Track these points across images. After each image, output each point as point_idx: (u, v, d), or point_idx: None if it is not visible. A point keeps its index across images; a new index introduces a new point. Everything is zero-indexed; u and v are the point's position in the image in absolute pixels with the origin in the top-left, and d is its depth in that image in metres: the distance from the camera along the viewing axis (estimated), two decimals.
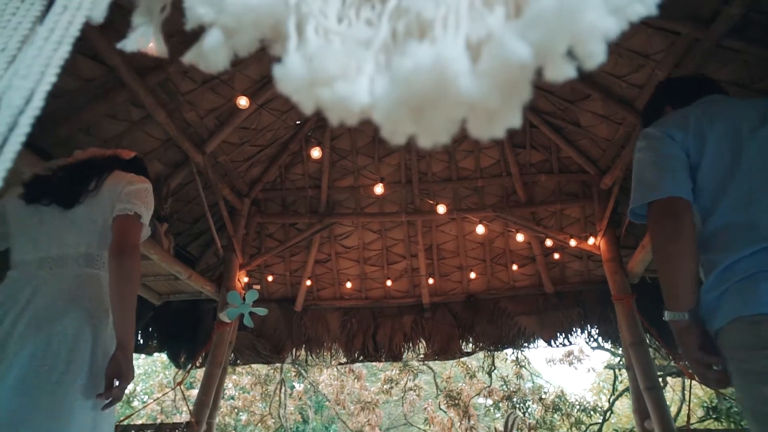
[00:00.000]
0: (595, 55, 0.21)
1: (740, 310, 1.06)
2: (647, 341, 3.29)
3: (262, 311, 3.43)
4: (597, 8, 0.20)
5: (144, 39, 0.36)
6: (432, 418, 10.15)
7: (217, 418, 4.22)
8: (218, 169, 3.66)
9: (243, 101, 3.02)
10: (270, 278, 4.45)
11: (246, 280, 3.94)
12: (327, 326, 4.43)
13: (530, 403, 9.53)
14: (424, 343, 4.40)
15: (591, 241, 3.72)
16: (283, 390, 9.95)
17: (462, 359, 9.58)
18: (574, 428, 8.68)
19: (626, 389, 7.34)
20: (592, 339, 4.35)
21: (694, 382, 3.11)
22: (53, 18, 0.32)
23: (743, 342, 1.06)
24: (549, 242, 4.10)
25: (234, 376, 10.20)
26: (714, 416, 6.96)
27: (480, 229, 3.99)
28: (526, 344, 4.43)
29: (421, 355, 4.47)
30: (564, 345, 4.36)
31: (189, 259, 3.84)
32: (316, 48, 0.24)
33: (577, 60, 0.22)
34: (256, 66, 3.18)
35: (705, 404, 7.44)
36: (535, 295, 4.34)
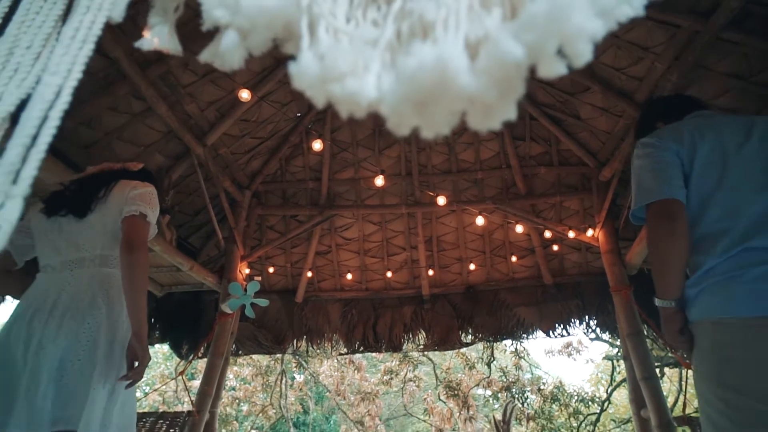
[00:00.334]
0: (583, 55, 0.23)
1: (707, 313, 1.23)
2: (645, 332, 3.32)
3: (263, 302, 3.46)
4: (584, 11, 0.22)
5: (160, 38, 0.38)
6: (431, 408, 10.24)
7: (219, 408, 4.27)
8: (219, 161, 3.68)
9: (245, 94, 3.03)
10: (271, 270, 4.48)
11: (247, 271, 3.97)
12: (328, 317, 4.47)
13: (529, 393, 9.61)
14: (423, 333, 4.44)
15: (590, 233, 3.75)
16: (283, 381, 10.03)
17: (461, 350, 9.66)
18: (572, 418, 8.77)
19: (624, 380, 7.42)
20: (590, 330, 4.39)
21: (690, 371, 3.15)
22: (77, 18, 0.34)
23: (701, 342, 1.25)
24: (548, 234, 4.13)
25: (235, 367, 10.28)
26: None
27: (480, 221, 4.01)
28: (524, 335, 4.47)
29: (421, 346, 4.51)
30: (562, 336, 4.40)
31: (191, 250, 3.87)
32: (327, 47, 0.26)
33: (567, 58, 0.24)
34: (257, 58, 3.19)
35: None
36: (534, 286, 4.38)
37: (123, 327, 1.60)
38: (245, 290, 3.44)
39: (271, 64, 3.34)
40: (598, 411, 8.59)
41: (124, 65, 2.63)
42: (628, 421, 8.38)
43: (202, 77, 3.11)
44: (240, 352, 4.58)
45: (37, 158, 0.28)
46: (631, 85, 3.16)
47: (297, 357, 9.61)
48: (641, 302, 3.31)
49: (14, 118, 0.34)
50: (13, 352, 1.48)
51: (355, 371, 10.57)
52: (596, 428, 8.52)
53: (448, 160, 4.24)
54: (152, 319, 4.28)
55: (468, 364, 9.83)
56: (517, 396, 9.26)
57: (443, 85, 0.22)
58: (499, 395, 9.75)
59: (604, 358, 10.10)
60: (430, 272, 4.44)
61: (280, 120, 3.85)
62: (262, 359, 10.05)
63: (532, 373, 10.83)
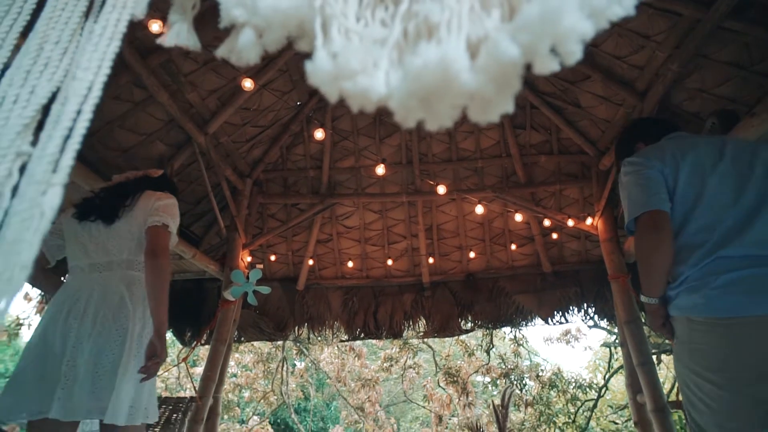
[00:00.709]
0: (574, 54, 0.25)
1: (684, 311, 1.43)
2: (641, 319, 3.37)
3: (265, 290, 3.51)
4: (575, 13, 0.25)
5: (180, 35, 0.40)
6: (431, 394, 10.37)
7: (222, 393, 4.33)
8: (220, 149, 3.69)
9: (248, 83, 3.04)
10: (272, 258, 4.52)
11: (249, 259, 4.00)
12: (329, 305, 4.52)
13: (527, 380, 9.72)
14: (423, 321, 4.49)
15: (589, 221, 3.78)
16: (285, 368, 10.14)
17: (461, 338, 9.75)
18: (569, 404, 8.89)
19: (621, 367, 7.50)
20: (588, 317, 4.44)
21: None
22: (105, 16, 0.36)
23: (680, 334, 1.46)
24: (547, 222, 4.16)
25: (237, 354, 10.38)
26: None
27: (479, 210, 4.04)
28: (523, 323, 4.53)
29: (421, 333, 4.57)
30: (561, 323, 4.46)
31: (193, 238, 3.90)
32: (340, 46, 0.28)
33: (560, 56, 0.27)
34: None
35: None
36: (533, 274, 4.42)
37: (148, 324, 1.77)
38: (247, 278, 3.48)
39: (272, 53, 3.34)
40: (595, 397, 8.70)
41: (125, 54, 2.63)
42: (625, 407, 8.49)
43: (202, 65, 3.11)
44: (242, 338, 4.64)
45: (73, 149, 0.31)
46: (632, 73, 3.16)
47: (298, 344, 9.71)
48: (639, 290, 3.35)
49: (44, 109, 0.37)
50: (52, 346, 1.64)
51: (356, 358, 10.67)
52: (593, 414, 8.64)
53: (448, 149, 4.25)
54: None
55: (467, 351, 9.93)
56: (515, 382, 9.37)
57: (446, 82, 0.24)
58: (498, 382, 9.86)
59: (602, 345, 10.20)
60: (431, 260, 4.48)
61: (281, 108, 3.86)
62: (263, 346, 10.15)
63: (530, 360, 10.93)
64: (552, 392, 9.20)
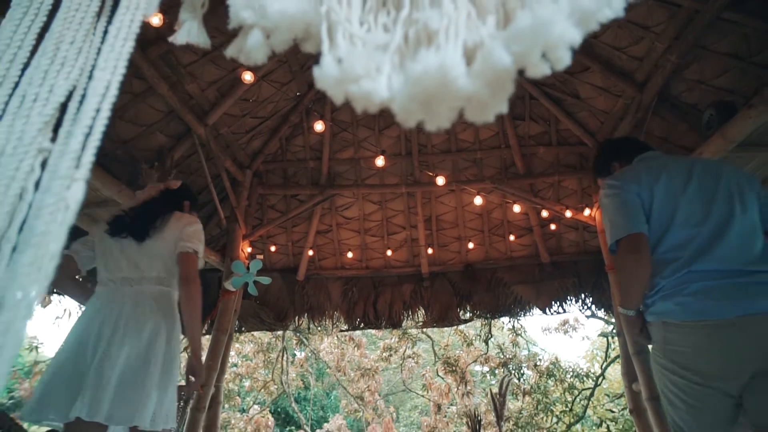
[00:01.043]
0: (562, 60, 0.27)
1: (659, 316, 1.59)
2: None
3: (266, 280, 3.54)
4: (563, 23, 0.27)
5: (190, 33, 0.42)
6: (430, 384, 10.46)
7: (223, 382, 4.38)
8: (220, 140, 3.70)
9: (248, 76, 3.04)
10: (273, 248, 4.54)
11: (249, 250, 4.03)
12: (329, 295, 4.55)
13: (525, 369, 9.81)
14: (423, 311, 4.53)
15: (587, 212, 3.80)
16: (285, 357, 10.22)
17: (459, 328, 9.82)
18: (567, 393, 8.98)
19: (618, 356, 7.57)
20: (586, 307, 4.48)
21: None
22: (119, 18, 0.38)
23: (656, 338, 1.62)
24: (545, 213, 4.18)
25: (237, 344, 10.44)
26: None
27: (478, 201, 4.06)
28: (522, 312, 4.57)
29: (420, 323, 4.61)
30: (558, 313, 4.50)
31: None
32: (345, 51, 0.30)
33: (550, 62, 0.28)
34: None
35: None
36: (531, 265, 4.45)
37: (173, 336, 1.92)
38: (248, 268, 3.51)
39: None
40: (592, 386, 8.80)
41: None
42: (621, 395, 8.59)
43: (202, 57, 3.11)
44: (243, 328, 4.68)
45: (93, 146, 0.33)
46: (631, 64, 3.17)
47: (298, 334, 9.77)
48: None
49: (62, 107, 0.39)
50: (83, 353, 1.75)
51: (355, 348, 10.75)
52: (590, 402, 8.74)
53: (447, 140, 4.26)
54: None
55: (466, 341, 10.00)
56: (513, 372, 9.46)
57: (444, 87, 0.26)
58: (496, 371, 9.95)
59: (599, 334, 10.28)
60: (430, 251, 4.51)
61: (280, 100, 3.86)
62: (263, 336, 10.21)
63: (528, 350, 11.02)
64: (550, 381, 9.29)
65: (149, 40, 2.76)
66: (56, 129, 0.38)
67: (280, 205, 4.47)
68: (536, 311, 4.50)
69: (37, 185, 0.34)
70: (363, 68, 0.29)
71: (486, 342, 9.62)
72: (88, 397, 1.64)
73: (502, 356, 9.85)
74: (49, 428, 1.91)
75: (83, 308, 1.94)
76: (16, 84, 0.38)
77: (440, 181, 3.91)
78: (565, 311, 4.48)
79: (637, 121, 3.28)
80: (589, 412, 8.86)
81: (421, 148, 4.27)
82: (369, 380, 10.77)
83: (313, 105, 4.13)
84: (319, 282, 4.60)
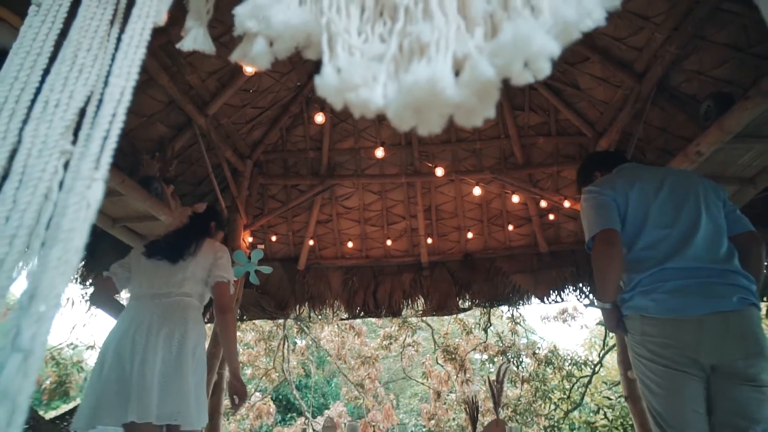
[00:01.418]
0: (543, 71, 0.30)
1: (637, 310, 1.76)
2: None
3: (267, 269, 3.58)
4: (543, 36, 0.29)
5: (196, 39, 0.44)
6: (429, 371, 10.56)
7: (226, 370, 4.44)
8: (220, 131, 3.72)
9: (249, 68, 3.04)
10: (273, 238, 4.58)
11: (250, 239, 4.06)
12: (329, 284, 4.60)
13: (524, 357, 9.91)
14: (422, 299, 4.58)
15: None
16: (286, 345, 10.31)
17: (459, 316, 9.89)
18: (565, 381, 9.08)
19: (615, 345, 7.64)
20: (584, 296, 4.52)
21: None
22: (131, 26, 0.40)
23: (633, 330, 1.79)
24: (543, 204, 4.20)
25: (238, 333, 10.52)
26: None
27: (477, 191, 4.08)
28: (520, 301, 4.61)
29: (420, 311, 4.66)
30: (556, 302, 4.54)
31: None
32: (344, 62, 0.32)
33: (532, 72, 0.31)
34: None
35: None
36: (530, 254, 4.49)
37: (201, 342, 2.13)
38: (249, 258, 3.54)
39: None
40: (590, 373, 8.89)
41: None
42: (619, 383, 8.68)
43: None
44: (244, 317, 4.73)
45: (111, 148, 0.35)
46: (631, 55, 3.17)
47: (299, 322, 9.85)
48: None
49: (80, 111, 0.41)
50: (123, 362, 1.92)
51: (356, 336, 10.84)
52: (588, 390, 8.84)
53: (447, 130, 4.27)
54: None
55: (465, 330, 10.09)
56: (512, 360, 9.55)
57: (434, 97, 0.29)
58: (495, 359, 10.05)
59: (597, 323, 10.36)
60: (429, 240, 4.54)
61: (280, 90, 3.86)
62: (265, 325, 10.30)
63: (527, 338, 11.12)
64: (548, 369, 9.39)
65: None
66: (75, 132, 0.41)
67: (280, 195, 4.50)
68: (534, 300, 4.55)
69: (60, 185, 0.37)
70: (360, 78, 0.32)
71: (485, 330, 9.71)
72: (137, 401, 1.83)
73: (501, 344, 9.94)
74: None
75: (117, 321, 2.13)
76: (38, 89, 0.41)
77: (439, 172, 3.93)
78: (563, 300, 4.52)
79: (636, 111, 3.29)
80: (587, 399, 8.96)
81: (421, 139, 4.28)
82: (369, 368, 10.88)
83: (313, 95, 4.13)
84: (320, 271, 4.64)
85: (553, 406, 8.99)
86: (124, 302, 2.31)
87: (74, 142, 0.40)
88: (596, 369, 8.86)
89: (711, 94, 2.64)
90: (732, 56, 2.80)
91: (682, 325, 1.64)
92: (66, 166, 0.38)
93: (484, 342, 9.92)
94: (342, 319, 5.12)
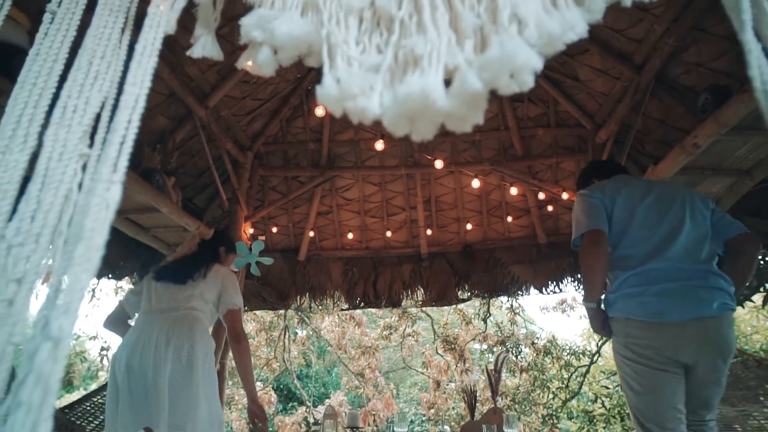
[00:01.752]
0: (527, 83, 0.33)
1: (623, 313, 1.86)
2: None
3: (268, 261, 3.61)
4: (527, 52, 0.32)
5: (205, 47, 0.47)
6: (429, 361, 10.65)
7: (228, 360, 4.50)
8: (221, 123, 3.73)
9: (250, 62, 3.05)
10: (274, 229, 4.61)
11: (251, 231, 4.09)
12: (329, 275, 4.64)
13: (523, 347, 9.99)
14: (422, 290, 4.62)
15: None
16: (287, 336, 10.39)
17: (458, 307, 9.96)
18: (563, 370, 9.17)
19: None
20: (582, 287, 4.56)
21: None
22: (144, 36, 0.43)
23: (618, 331, 1.89)
24: (541, 195, 4.23)
25: None
26: None
27: (475, 184, 4.10)
28: (518, 292, 4.66)
29: (419, 302, 4.70)
30: (555, 293, 4.58)
31: (196, 210, 3.98)
32: (343, 73, 0.35)
33: (517, 84, 0.34)
34: None
35: None
36: (528, 245, 4.52)
37: (209, 354, 2.19)
38: (250, 249, 3.57)
39: None
40: (588, 363, 8.98)
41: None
42: (616, 372, 8.75)
43: None
44: (246, 308, 4.77)
45: (127, 152, 0.38)
46: (630, 47, 3.17)
47: (299, 313, 9.92)
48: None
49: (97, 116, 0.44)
50: (134, 373, 2.00)
51: (356, 327, 10.91)
52: (586, 379, 8.93)
53: None
54: None
55: (465, 320, 10.16)
56: (511, 349, 9.63)
57: (427, 107, 0.31)
58: (495, 349, 10.13)
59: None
60: (429, 231, 4.57)
61: (280, 81, 3.87)
62: (266, 315, 10.37)
63: (526, 329, 11.20)
64: (546, 359, 9.47)
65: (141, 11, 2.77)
66: (90, 135, 0.43)
67: (281, 186, 4.52)
68: (533, 291, 4.59)
69: (78, 186, 0.40)
70: (358, 88, 0.34)
71: (484, 321, 9.77)
72: (152, 410, 1.92)
73: (500, 334, 10.02)
74: None
75: (127, 334, 2.22)
76: (54, 95, 0.44)
77: (438, 164, 3.95)
78: (561, 291, 4.57)
79: (635, 103, 3.30)
80: (585, 388, 9.05)
81: None
82: (369, 358, 10.96)
83: (313, 87, 4.14)
84: (320, 262, 4.68)
85: (551, 395, 9.08)
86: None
87: (90, 146, 0.42)
88: (594, 359, 8.94)
89: (708, 87, 2.65)
90: (731, 48, 2.80)
91: (664, 329, 1.77)
92: (84, 168, 0.41)
93: (484, 332, 9.99)
94: (342, 310, 5.17)
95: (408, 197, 4.58)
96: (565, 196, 3.85)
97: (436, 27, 0.34)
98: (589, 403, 8.88)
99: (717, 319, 1.76)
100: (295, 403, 13.10)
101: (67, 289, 0.32)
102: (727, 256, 1.97)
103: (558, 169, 4.27)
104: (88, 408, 3.62)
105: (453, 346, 9.91)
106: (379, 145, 3.85)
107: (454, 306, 9.21)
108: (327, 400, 11.52)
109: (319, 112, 3.79)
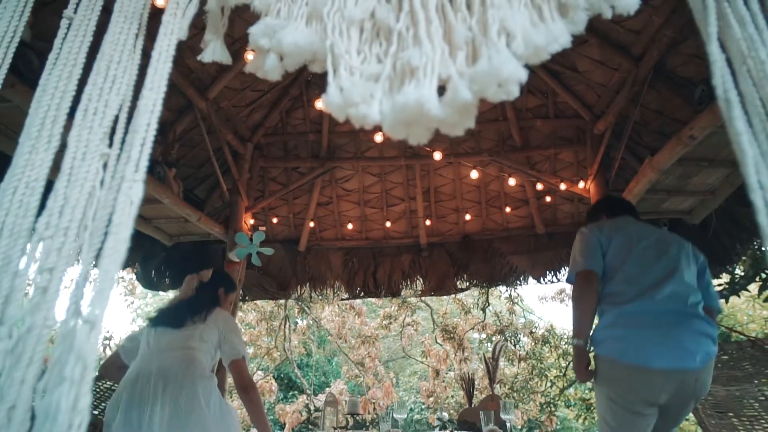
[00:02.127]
0: (512, 93, 0.36)
1: (609, 353, 1.96)
2: None
3: (268, 251, 3.65)
4: (513, 65, 0.35)
5: (214, 52, 0.50)
6: (428, 350, 10.75)
7: None
8: (221, 114, 3.75)
9: (250, 56, 3.07)
10: (275, 220, 4.65)
11: (252, 222, 4.13)
12: (329, 265, 4.68)
13: (521, 336, 10.08)
14: (421, 280, 4.67)
15: (581, 184, 3.87)
16: (287, 325, 10.48)
17: (458, 296, 10.04)
18: (561, 359, 9.27)
19: None
20: None
21: None
22: (159, 43, 0.46)
23: (603, 371, 1.99)
24: (540, 186, 4.26)
25: (240, 313, 10.67)
26: None
27: (474, 175, 4.13)
28: (517, 282, 4.71)
29: (419, 292, 4.76)
30: (552, 282, 4.64)
31: (196, 201, 4.01)
32: (346, 81, 0.38)
33: (504, 93, 0.37)
34: (255, 15, 3.19)
35: None
36: (527, 236, 4.56)
37: (213, 391, 2.11)
38: (251, 240, 3.62)
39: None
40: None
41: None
42: None
43: (201, 30, 3.11)
44: (247, 297, 4.83)
45: (147, 153, 0.41)
46: (628, 38, 3.18)
47: (300, 303, 9.99)
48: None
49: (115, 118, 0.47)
50: (133, 419, 1.94)
51: (356, 316, 11.00)
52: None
53: None
54: (162, 267, 4.49)
55: (464, 310, 10.24)
56: (509, 338, 9.73)
57: (422, 115, 0.35)
58: (493, 338, 10.23)
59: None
60: (428, 222, 4.61)
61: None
62: (266, 305, 10.44)
63: (525, 318, 11.30)
64: (545, 348, 9.58)
65: (149, 14, 2.78)
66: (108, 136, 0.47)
67: (281, 177, 4.55)
68: (531, 280, 4.64)
69: (100, 184, 0.43)
70: (360, 96, 0.37)
71: (483, 310, 9.86)
72: None
73: (498, 324, 10.11)
74: None
75: (127, 372, 2.17)
76: (74, 98, 0.47)
77: (437, 156, 3.97)
78: (559, 281, 4.62)
79: (633, 94, 3.31)
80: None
81: None
82: (369, 347, 11.07)
83: (313, 77, 4.15)
84: (320, 252, 4.72)
85: (549, 384, 9.20)
86: None
87: (110, 146, 0.46)
88: (591, 348, 9.03)
89: (705, 79, 2.67)
90: None
91: (646, 375, 1.87)
92: (104, 167, 0.44)
93: (483, 321, 10.08)
94: (342, 300, 5.23)
95: (407, 188, 4.61)
96: (563, 186, 3.88)
97: (430, 40, 0.38)
98: (587, 391, 8.99)
99: (699, 371, 1.87)
100: (296, 392, 13.24)
101: (99, 278, 0.35)
102: None
103: (556, 160, 4.29)
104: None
105: (452, 335, 10.01)
106: (379, 137, 3.87)
107: (453, 296, 9.28)
108: (327, 389, 11.65)
109: (319, 104, 3.81)
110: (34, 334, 0.34)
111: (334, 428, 3.73)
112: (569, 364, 9.27)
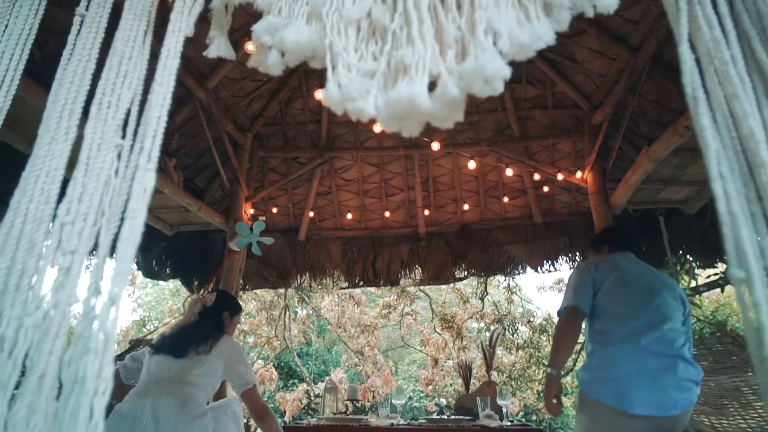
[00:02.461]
0: (497, 89, 0.39)
1: (593, 393, 2.05)
2: None
3: (268, 240, 3.68)
4: (498, 63, 0.38)
5: (219, 48, 0.53)
6: (427, 339, 10.84)
7: None
8: (220, 104, 3.76)
9: (251, 47, 3.08)
10: (274, 210, 4.68)
11: (252, 211, 4.16)
12: (329, 254, 4.72)
13: (519, 325, 10.17)
14: (420, 269, 4.72)
15: (579, 174, 3.90)
16: (287, 314, 10.56)
17: (456, 286, 10.10)
18: None
19: None
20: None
21: None
22: (168, 40, 0.48)
23: (586, 407, 2.09)
24: (537, 177, 4.29)
25: (240, 302, 10.73)
26: None
27: (472, 165, 4.16)
28: (515, 271, 4.76)
29: (417, 281, 4.81)
30: (550, 272, 4.68)
31: (197, 191, 4.04)
32: (344, 78, 0.41)
33: (490, 89, 0.40)
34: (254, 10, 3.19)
35: None
36: (524, 225, 4.60)
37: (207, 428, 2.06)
38: (251, 229, 3.64)
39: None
40: (582, 342, 9.16)
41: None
42: None
43: (200, 20, 3.11)
44: (247, 287, 4.88)
45: (158, 144, 0.45)
46: (627, 28, 3.19)
47: (300, 292, 10.06)
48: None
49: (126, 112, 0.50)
50: None
51: (355, 305, 11.07)
52: (580, 356, 9.13)
53: None
54: (163, 257, 4.53)
55: (462, 299, 10.32)
56: (507, 327, 9.81)
57: (413, 109, 0.38)
58: (492, 327, 10.32)
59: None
60: (426, 212, 4.65)
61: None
62: (266, 294, 10.51)
63: (523, 307, 11.38)
64: (542, 337, 9.67)
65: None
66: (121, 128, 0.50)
67: (280, 167, 4.57)
68: (529, 270, 4.69)
69: (115, 173, 0.46)
70: (357, 92, 0.40)
71: (482, 299, 9.93)
72: None
73: (497, 313, 10.19)
74: None
75: (124, 399, 2.13)
76: (89, 92, 0.50)
77: (435, 146, 3.99)
78: (556, 270, 4.66)
79: (631, 84, 3.33)
80: (579, 365, 9.27)
81: None
82: (369, 336, 11.15)
83: (311, 68, 4.14)
84: (320, 242, 4.76)
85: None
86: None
87: (123, 137, 0.49)
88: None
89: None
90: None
91: (627, 419, 1.95)
92: (118, 157, 0.47)
93: (481, 311, 10.16)
94: (342, 289, 5.28)
95: (406, 178, 4.64)
96: (560, 176, 3.91)
97: (422, 39, 0.40)
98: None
99: (679, 417, 1.96)
100: (296, 380, 13.36)
101: (117, 260, 0.39)
102: None
103: (554, 150, 4.32)
104: None
105: (451, 324, 10.09)
106: (378, 127, 3.89)
107: (451, 285, 9.35)
108: (327, 377, 11.76)
109: (319, 94, 3.82)
110: (59, 310, 0.37)
111: (334, 413, 3.80)
112: None
